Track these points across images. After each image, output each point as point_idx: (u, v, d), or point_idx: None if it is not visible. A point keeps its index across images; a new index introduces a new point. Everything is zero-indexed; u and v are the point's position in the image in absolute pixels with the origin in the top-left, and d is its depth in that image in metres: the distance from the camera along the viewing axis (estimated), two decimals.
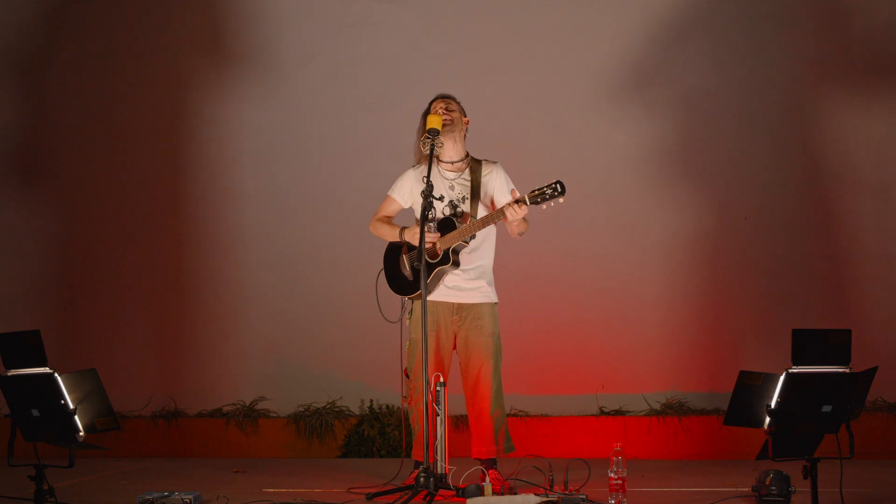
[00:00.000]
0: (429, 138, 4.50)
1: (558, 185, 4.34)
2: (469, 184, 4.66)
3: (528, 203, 4.40)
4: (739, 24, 6.19)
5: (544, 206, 4.40)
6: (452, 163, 4.70)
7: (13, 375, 4.09)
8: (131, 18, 6.68)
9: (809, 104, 6.12)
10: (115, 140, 6.66)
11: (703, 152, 6.20)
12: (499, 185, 4.68)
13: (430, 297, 4.53)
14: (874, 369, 3.82)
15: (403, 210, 4.83)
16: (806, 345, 3.74)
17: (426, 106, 4.76)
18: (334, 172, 6.44)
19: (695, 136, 6.20)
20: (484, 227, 4.53)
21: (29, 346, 4.07)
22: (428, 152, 4.49)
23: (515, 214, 4.41)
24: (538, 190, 4.38)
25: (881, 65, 6.07)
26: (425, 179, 4.38)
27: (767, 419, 3.73)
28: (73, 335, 6.52)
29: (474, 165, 4.70)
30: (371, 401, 6.21)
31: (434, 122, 4.53)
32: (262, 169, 6.54)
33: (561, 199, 4.36)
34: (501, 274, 5.76)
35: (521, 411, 6.05)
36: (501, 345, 4.70)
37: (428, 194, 4.36)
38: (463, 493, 4.27)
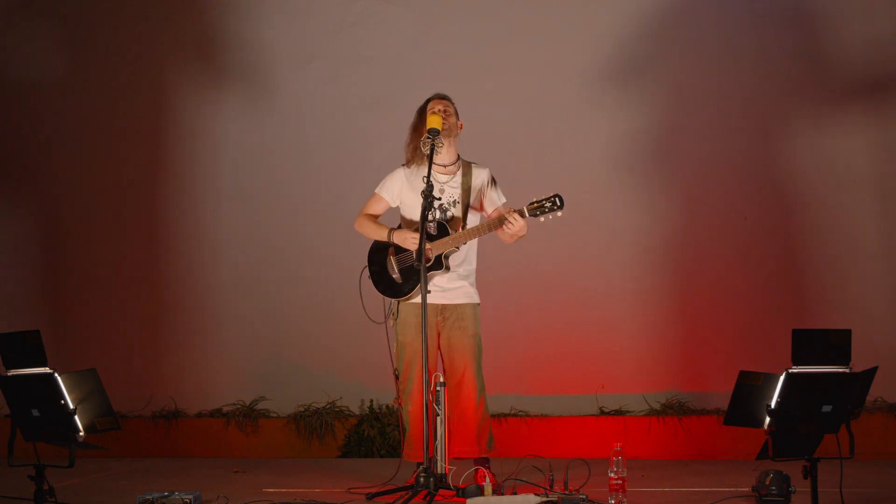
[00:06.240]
0: (429, 138, 4.49)
1: (557, 199, 4.37)
2: (460, 188, 4.68)
3: (528, 216, 4.42)
4: (739, 23, 6.18)
5: (542, 219, 4.42)
6: (445, 166, 4.69)
7: (13, 375, 4.09)
8: (128, 20, 6.68)
9: (809, 103, 6.12)
10: (114, 140, 6.66)
11: (702, 152, 6.20)
12: (488, 191, 4.71)
13: (415, 299, 4.55)
14: (874, 369, 3.82)
15: (389, 209, 4.83)
16: (806, 345, 3.74)
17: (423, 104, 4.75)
18: (334, 172, 6.44)
19: (694, 136, 6.20)
20: (480, 235, 4.56)
21: (29, 346, 4.07)
22: (428, 152, 4.48)
23: (514, 226, 4.42)
24: (537, 202, 4.40)
25: (882, 63, 6.06)
26: (425, 179, 4.37)
27: (767, 419, 3.73)
28: (73, 335, 6.52)
29: (465, 168, 4.72)
30: (371, 401, 6.21)
31: (434, 122, 4.52)
32: (262, 169, 6.54)
33: (559, 213, 4.39)
34: (501, 276, 5.77)
35: (521, 411, 6.05)
36: (482, 345, 4.71)
37: (428, 194, 4.35)
38: (463, 493, 4.27)
